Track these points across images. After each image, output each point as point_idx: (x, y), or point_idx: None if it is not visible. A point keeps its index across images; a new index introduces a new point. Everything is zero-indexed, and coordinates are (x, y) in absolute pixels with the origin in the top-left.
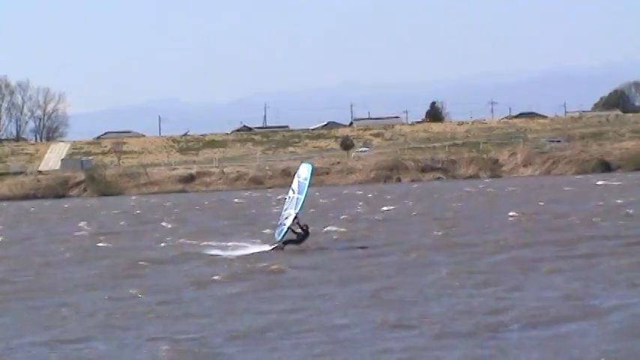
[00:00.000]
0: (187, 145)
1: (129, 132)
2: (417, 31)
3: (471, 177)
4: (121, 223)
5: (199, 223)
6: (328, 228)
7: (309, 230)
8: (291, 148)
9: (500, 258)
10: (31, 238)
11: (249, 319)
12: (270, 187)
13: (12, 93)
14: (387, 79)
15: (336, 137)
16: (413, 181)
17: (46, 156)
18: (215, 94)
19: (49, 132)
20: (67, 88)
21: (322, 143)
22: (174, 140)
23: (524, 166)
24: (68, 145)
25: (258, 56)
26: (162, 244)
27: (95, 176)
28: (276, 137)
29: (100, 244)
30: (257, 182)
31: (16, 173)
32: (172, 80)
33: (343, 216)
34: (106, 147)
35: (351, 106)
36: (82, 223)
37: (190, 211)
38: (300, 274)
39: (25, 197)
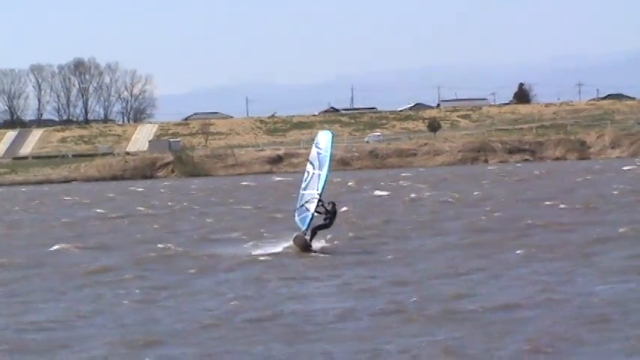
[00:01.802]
0: (275, 126)
1: (216, 113)
2: (504, 13)
3: (558, 159)
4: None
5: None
6: None
7: (337, 208)
8: (378, 130)
9: None
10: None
11: None
12: (358, 169)
13: (100, 75)
14: (474, 61)
15: (424, 119)
16: (500, 162)
17: (134, 137)
18: (302, 76)
19: (137, 113)
20: (155, 69)
21: (409, 125)
22: (261, 121)
23: (612, 147)
24: (156, 127)
25: (345, 37)
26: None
27: (183, 157)
28: (363, 119)
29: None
30: (344, 164)
31: (104, 154)
32: (260, 61)
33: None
34: (193, 128)
35: (438, 87)
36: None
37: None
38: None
39: (113, 178)
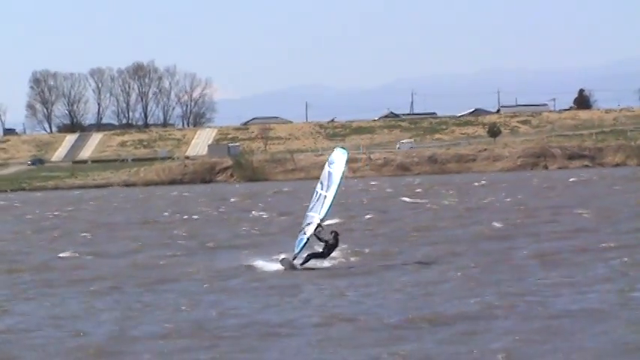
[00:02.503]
0: (334, 131)
1: (276, 118)
2: (565, 18)
3: (617, 165)
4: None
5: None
6: None
7: (339, 238)
8: (437, 135)
9: None
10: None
11: None
12: (417, 174)
13: (159, 79)
14: (534, 66)
15: (483, 124)
16: (559, 168)
17: (193, 141)
18: (361, 80)
19: (196, 117)
20: (214, 73)
21: (469, 130)
22: (320, 126)
23: None
24: (215, 131)
25: (405, 42)
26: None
27: (242, 162)
28: (423, 124)
29: None
30: (404, 169)
31: (163, 158)
32: (320, 66)
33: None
34: (252, 133)
35: (498, 93)
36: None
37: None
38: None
39: (172, 182)
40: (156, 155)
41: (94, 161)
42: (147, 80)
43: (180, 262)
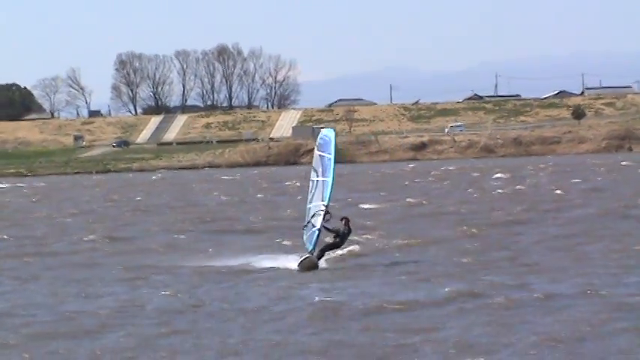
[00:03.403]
0: (418, 113)
1: (360, 100)
2: None
3: None
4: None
5: None
6: None
7: (351, 225)
8: (522, 117)
9: None
10: None
11: None
12: (501, 156)
13: (244, 60)
14: (619, 49)
15: (568, 106)
16: None
17: (278, 123)
18: (445, 63)
19: (281, 99)
20: (299, 55)
21: (553, 112)
22: (405, 108)
23: None
24: (299, 113)
25: (488, 24)
26: None
27: None
28: (507, 106)
29: None
30: (488, 150)
31: (248, 140)
32: (403, 48)
33: None
34: (337, 115)
35: (582, 75)
36: None
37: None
38: None
39: (257, 164)
40: (240, 137)
41: (178, 143)
42: (231, 62)
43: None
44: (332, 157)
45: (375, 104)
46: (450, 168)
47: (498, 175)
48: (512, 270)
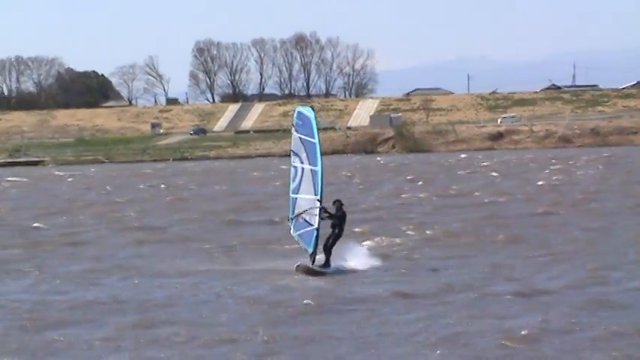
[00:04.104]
0: (496, 102)
1: (437, 89)
2: None
3: None
4: None
5: None
6: None
7: (344, 208)
8: (600, 107)
9: None
10: None
11: None
12: (579, 146)
13: (322, 49)
14: None
15: None
16: None
17: (355, 112)
18: (522, 52)
19: (358, 88)
20: (376, 44)
21: (631, 102)
22: (482, 98)
23: None
24: (377, 102)
25: (566, 14)
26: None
27: (404, 133)
28: (584, 96)
29: None
30: (565, 141)
31: (325, 129)
32: (480, 38)
33: None
34: (414, 104)
35: None
36: None
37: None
38: None
39: (334, 152)
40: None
41: (255, 131)
42: (309, 51)
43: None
44: (316, 141)
45: (452, 93)
46: (511, 158)
47: (554, 166)
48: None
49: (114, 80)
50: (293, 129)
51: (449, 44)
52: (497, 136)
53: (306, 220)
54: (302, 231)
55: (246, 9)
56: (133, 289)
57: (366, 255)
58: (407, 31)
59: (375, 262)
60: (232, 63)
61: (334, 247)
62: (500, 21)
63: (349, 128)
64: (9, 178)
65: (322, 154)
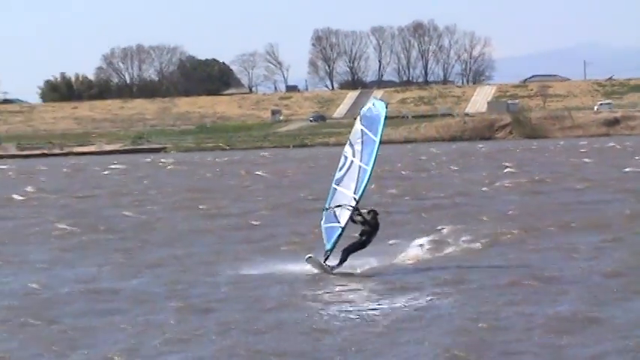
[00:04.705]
0: (612, 89)
1: (554, 76)
2: None
3: None
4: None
5: None
6: None
7: (378, 219)
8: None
9: None
10: None
11: None
12: None
13: (439, 37)
14: None
15: None
16: None
17: (473, 99)
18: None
19: (476, 75)
20: (493, 32)
21: None
22: (599, 84)
23: None
24: (494, 88)
25: None
26: None
27: (521, 119)
28: None
29: None
30: None
31: (443, 115)
32: (597, 24)
33: None
34: (531, 90)
35: None
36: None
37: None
38: None
39: (452, 139)
40: (435, 112)
41: None
42: (426, 38)
43: None
44: (377, 140)
45: (569, 80)
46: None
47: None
48: None
49: (234, 68)
50: (358, 117)
51: (566, 31)
52: (613, 122)
53: (335, 216)
54: (329, 225)
55: None
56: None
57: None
58: (524, 19)
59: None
60: (351, 50)
61: (353, 253)
62: (617, 7)
63: (467, 115)
64: (114, 166)
65: (377, 156)
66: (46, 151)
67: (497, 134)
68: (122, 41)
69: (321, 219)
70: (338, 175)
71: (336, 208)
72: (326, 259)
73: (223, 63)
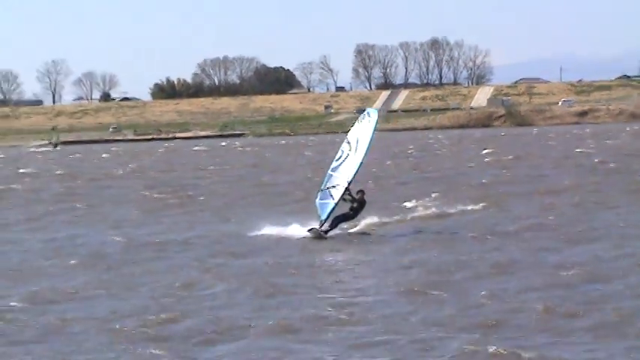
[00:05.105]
0: (582, 89)
1: (538, 79)
2: None
3: None
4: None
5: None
6: None
7: (365, 198)
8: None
9: None
10: None
11: None
12: None
13: (451, 50)
14: None
15: None
16: None
17: (476, 96)
18: (602, 49)
19: (478, 78)
20: (492, 44)
21: None
22: (572, 85)
23: None
24: (492, 88)
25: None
26: None
27: (512, 112)
28: None
29: None
30: (634, 117)
31: (454, 109)
32: (570, 37)
33: None
34: (520, 90)
35: None
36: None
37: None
38: None
39: (460, 127)
40: (448, 106)
41: (402, 111)
42: (441, 51)
43: None
44: (369, 137)
45: (549, 82)
46: (587, 130)
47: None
48: None
49: (297, 73)
50: (357, 121)
51: (546, 44)
52: (582, 114)
53: (330, 194)
54: (323, 201)
55: (394, 18)
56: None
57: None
58: (514, 35)
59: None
60: (384, 60)
61: (341, 224)
62: (585, 24)
63: (472, 108)
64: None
65: (368, 150)
66: (154, 136)
67: (495, 123)
68: (212, 53)
69: (316, 197)
70: (334, 164)
71: (331, 188)
72: (321, 226)
73: (288, 70)
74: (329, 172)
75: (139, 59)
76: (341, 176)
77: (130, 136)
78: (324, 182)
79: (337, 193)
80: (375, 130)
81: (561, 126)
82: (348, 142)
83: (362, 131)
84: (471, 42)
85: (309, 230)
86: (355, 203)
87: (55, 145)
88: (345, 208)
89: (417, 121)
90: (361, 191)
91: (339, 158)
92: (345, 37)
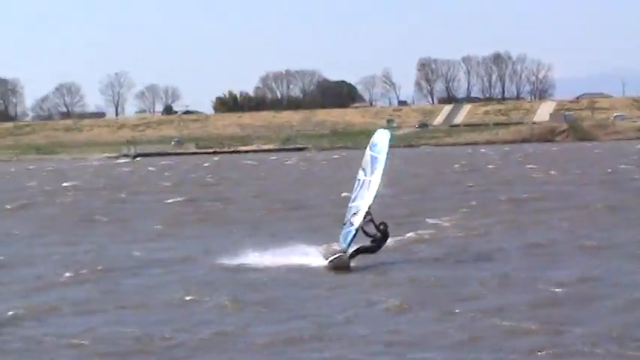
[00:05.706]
0: None
1: (600, 93)
2: None
3: None
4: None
5: None
6: None
7: (388, 230)
8: None
9: None
10: None
11: None
12: None
13: (513, 64)
14: None
15: None
16: None
17: (539, 111)
18: None
19: (541, 92)
20: (555, 59)
21: None
22: (634, 100)
23: None
24: (555, 103)
25: None
26: None
27: (575, 126)
28: None
29: None
30: None
31: (516, 123)
32: (630, 49)
33: None
34: (582, 105)
35: None
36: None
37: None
38: None
39: (523, 141)
40: (510, 121)
41: (465, 125)
42: (504, 65)
43: None
44: (382, 157)
45: (612, 97)
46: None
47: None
48: None
49: (359, 87)
50: (368, 148)
51: (607, 60)
52: None
53: (351, 222)
54: (345, 231)
55: (456, 33)
56: None
57: None
58: (577, 50)
59: None
60: (447, 74)
61: (362, 254)
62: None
63: (534, 123)
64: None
65: (384, 172)
66: (217, 149)
67: (557, 138)
68: (275, 66)
69: (341, 233)
70: (352, 195)
71: (351, 218)
72: (343, 254)
73: (350, 83)
74: (349, 205)
75: (202, 72)
76: (361, 202)
77: (192, 149)
78: (346, 216)
79: (357, 219)
80: (389, 147)
81: (624, 141)
82: (363, 169)
83: (375, 153)
84: (534, 56)
85: (330, 261)
86: (378, 234)
87: (135, 157)
88: (367, 240)
89: (479, 135)
90: (383, 223)
91: (356, 188)
92: (407, 50)
